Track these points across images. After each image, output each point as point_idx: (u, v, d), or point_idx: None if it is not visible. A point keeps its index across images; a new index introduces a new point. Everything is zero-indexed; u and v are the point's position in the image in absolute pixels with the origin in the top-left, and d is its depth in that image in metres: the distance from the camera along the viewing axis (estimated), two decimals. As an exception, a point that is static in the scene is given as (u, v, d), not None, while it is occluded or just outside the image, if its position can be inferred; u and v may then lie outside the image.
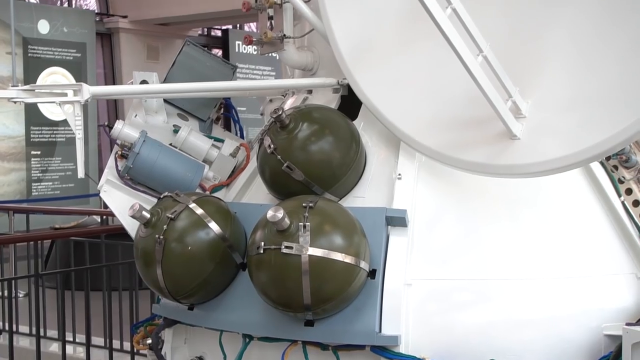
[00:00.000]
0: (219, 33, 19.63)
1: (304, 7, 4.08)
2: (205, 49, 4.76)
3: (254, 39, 4.35)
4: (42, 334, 8.61)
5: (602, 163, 3.87)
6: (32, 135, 16.56)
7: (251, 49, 16.65)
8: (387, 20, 3.80)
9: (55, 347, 9.25)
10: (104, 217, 11.62)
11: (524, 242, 3.58)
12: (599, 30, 3.33)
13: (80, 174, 3.75)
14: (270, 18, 4.32)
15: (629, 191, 3.94)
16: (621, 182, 3.93)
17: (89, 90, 3.62)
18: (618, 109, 3.14)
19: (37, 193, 16.82)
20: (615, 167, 3.97)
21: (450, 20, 3.04)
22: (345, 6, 3.86)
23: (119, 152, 4.10)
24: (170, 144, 4.21)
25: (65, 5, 17.34)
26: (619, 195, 3.83)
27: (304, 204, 3.26)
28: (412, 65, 3.70)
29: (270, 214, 3.14)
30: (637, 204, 3.90)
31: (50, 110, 16.37)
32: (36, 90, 3.78)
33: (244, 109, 15.32)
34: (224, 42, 18.70)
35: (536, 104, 3.35)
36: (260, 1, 4.31)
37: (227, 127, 5.38)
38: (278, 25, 4.27)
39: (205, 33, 19.81)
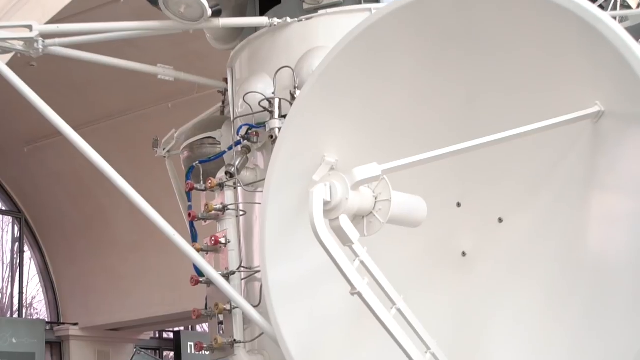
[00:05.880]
0: (170, 335, 19.55)
1: (253, 313, 4.15)
2: (156, 353, 4.76)
3: (204, 345, 4.36)
4: None
5: None
6: None
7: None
8: (334, 322, 3.86)
9: None
10: None
11: None
12: (544, 315, 3.42)
13: None
14: (220, 323, 4.37)
15: None
16: None
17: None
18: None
19: None
20: None
21: (396, 319, 3.12)
22: (293, 310, 3.93)
23: None
24: None
25: (16, 315, 17.20)
26: None
27: None
28: (362, 364, 3.73)
29: None
30: None
31: None
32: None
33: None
34: (176, 344, 18.54)
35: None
36: (210, 308, 4.38)
37: None
38: (228, 330, 4.31)
39: (157, 336, 19.71)
